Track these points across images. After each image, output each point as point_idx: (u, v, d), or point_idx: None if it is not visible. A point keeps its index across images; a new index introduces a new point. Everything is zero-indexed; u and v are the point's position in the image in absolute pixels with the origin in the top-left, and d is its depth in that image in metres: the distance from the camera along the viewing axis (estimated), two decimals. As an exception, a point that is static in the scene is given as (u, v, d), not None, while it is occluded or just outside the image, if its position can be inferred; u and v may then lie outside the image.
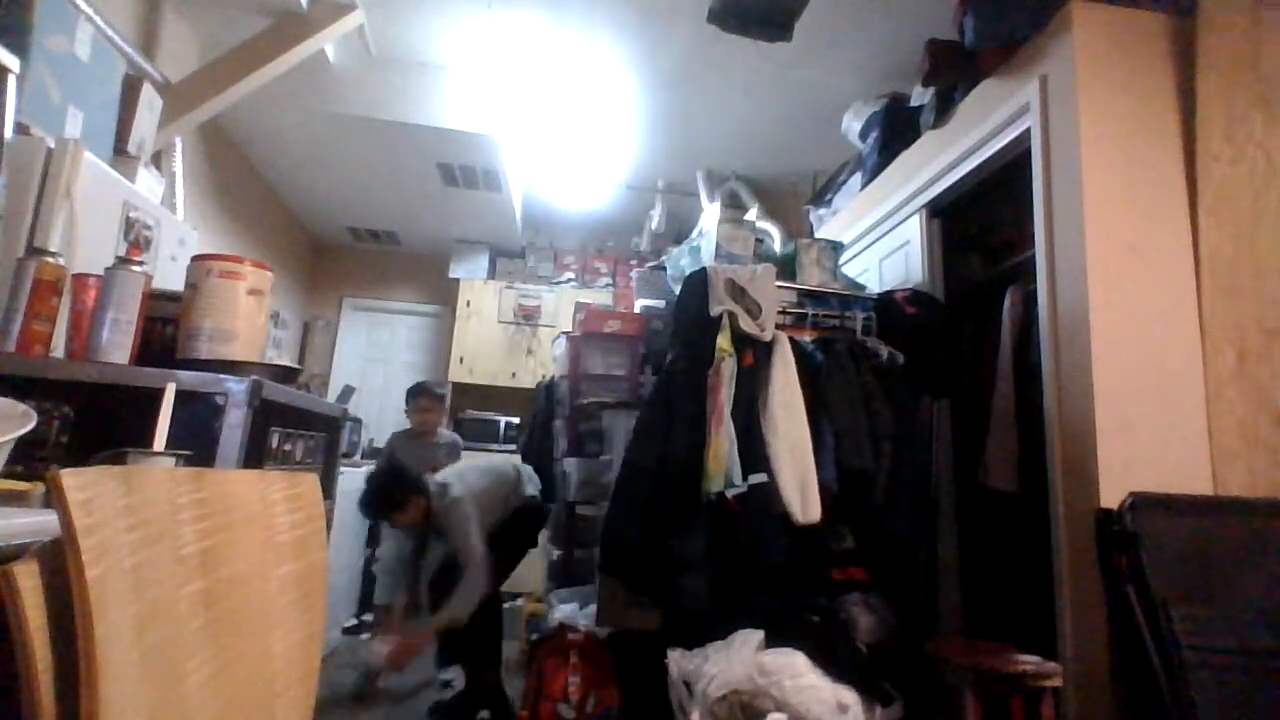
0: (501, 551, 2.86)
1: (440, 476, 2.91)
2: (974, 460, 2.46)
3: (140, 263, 1.52)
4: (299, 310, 5.57)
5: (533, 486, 3.16)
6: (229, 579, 0.98)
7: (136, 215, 1.92)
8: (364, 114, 3.65)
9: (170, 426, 1.23)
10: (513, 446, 5.17)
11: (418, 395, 3.79)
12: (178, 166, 2.93)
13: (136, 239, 1.92)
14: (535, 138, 4.24)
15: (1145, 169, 1.97)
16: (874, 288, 2.86)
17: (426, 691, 3.23)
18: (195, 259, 1.59)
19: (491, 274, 5.69)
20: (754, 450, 1.90)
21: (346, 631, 3.98)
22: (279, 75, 3.16)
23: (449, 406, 4.56)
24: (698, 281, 2.11)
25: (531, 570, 3.77)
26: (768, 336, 2.08)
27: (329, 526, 1.57)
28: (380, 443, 4.60)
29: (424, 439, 3.73)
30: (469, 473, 2.98)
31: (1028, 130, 2.15)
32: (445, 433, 3.92)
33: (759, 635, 1.73)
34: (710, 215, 4.33)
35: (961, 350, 2.59)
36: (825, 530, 1.97)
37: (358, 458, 4.63)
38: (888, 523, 2.07)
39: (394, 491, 2.77)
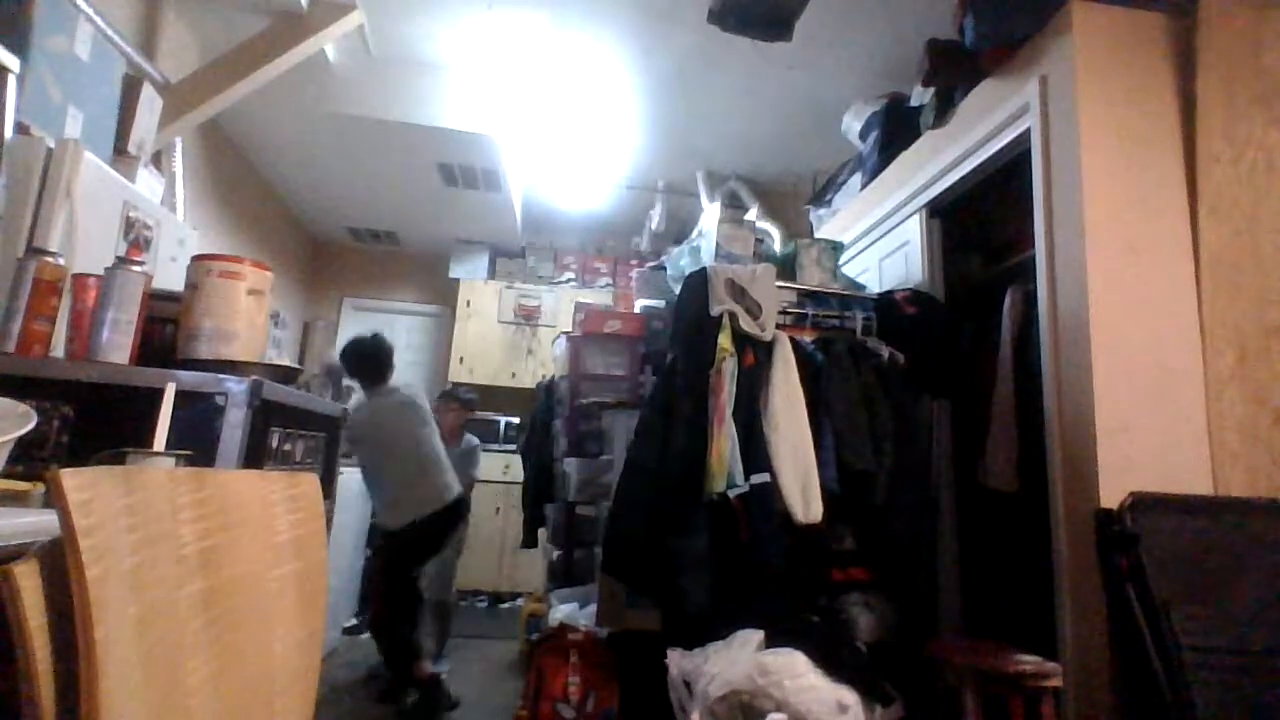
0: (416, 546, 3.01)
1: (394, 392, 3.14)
2: (974, 460, 2.46)
3: (140, 263, 1.52)
4: (299, 310, 5.57)
5: (455, 481, 3.22)
6: (229, 579, 0.98)
7: (136, 215, 1.92)
8: (364, 114, 3.65)
9: (170, 426, 1.23)
10: (513, 446, 5.17)
11: (437, 399, 3.99)
12: (178, 166, 2.93)
13: (136, 239, 1.91)
14: (535, 138, 4.24)
15: (1145, 169, 1.97)
16: (874, 288, 2.86)
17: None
18: (195, 259, 1.59)
19: (491, 274, 5.69)
20: (756, 450, 1.90)
21: (346, 631, 3.98)
22: (279, 75, 3.16)
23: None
24: (698, 281, 2.11)
25: (532, 570, 3.77)
26: (768, 336, 2.08)
27: (329, 526, 1.57)
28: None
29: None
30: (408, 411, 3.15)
31: (1027, 130, 2.15)
32: (469, 438, 4.05)
33: (759, 635, 1.73)
34: (710, 215, 4.31)
35: (961, 350, 2.59)
36: (825, 530, 1.97)
37: (357, 458, 4.62)
38: (888, 523, 2.07)
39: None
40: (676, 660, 1.78)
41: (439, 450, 3.17)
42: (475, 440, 4.05)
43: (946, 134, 2.60)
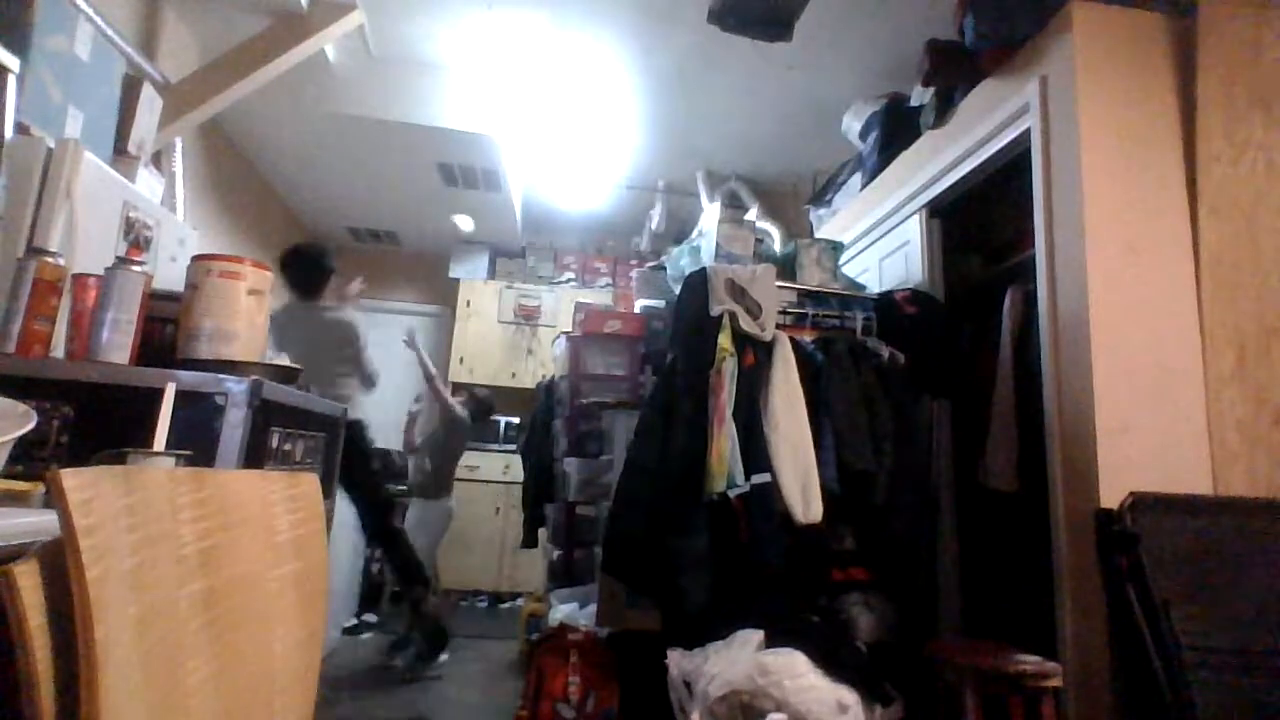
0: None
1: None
2: (974, 460, 2.46)
3: (140, 263, 1.52)
4: (299, 310, 5.56)
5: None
6: (229, 579, 0.98)
7: (136, 215, 1.92)
8: (364, 114, 3.65)
9: (170, 426, 1.23)
10: (512, 446, 5.17)
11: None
12: (178, 166, 2.93)
13: (136, 239, 1.91)
14: (535, 138, 4.24)
15: (1145, 169, 1.97)
16: (874, 288, 2.86)
17: (431, 682, 3.23)
18: (195, 259, 1.59)
19: (491, 274, 5.69)
20: (756, 450, 1.90)
21: (346, 631, 3.98)
22: (279, 75, 3.16)
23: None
24: (698, 281, 2.11)
25: (532, 570, 3.77)
26: (768, 336, 2.08)
27: (329, 526, 1.57)
28: (379, 443, 4.72)
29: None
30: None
31: (1027, 130, 2.15)
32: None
33: (759, 635, 1.73)
34: (710, 215, 4.31)
35: (961, 350, 2.59)
36: (825, 530, 1.97)
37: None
38: (888, 523, 2.07)
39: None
40: (676, 660, 1.78)
41: (338, 375, 3.43)
42: (467, 421, 4.20)
43: (946, 134, 2.60)
